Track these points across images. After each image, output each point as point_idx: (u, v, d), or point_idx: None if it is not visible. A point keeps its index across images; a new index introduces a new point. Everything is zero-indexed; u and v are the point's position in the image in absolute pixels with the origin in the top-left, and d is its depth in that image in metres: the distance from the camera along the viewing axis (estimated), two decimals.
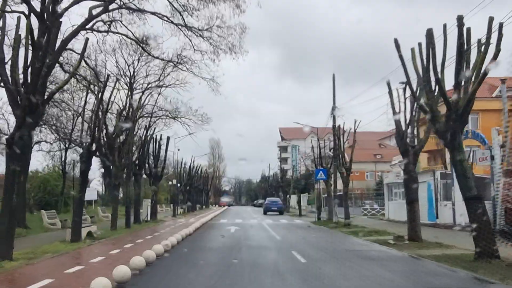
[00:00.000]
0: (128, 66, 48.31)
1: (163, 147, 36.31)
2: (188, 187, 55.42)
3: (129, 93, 46.27)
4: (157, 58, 26.59)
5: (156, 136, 34.47)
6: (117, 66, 48.55)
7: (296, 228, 28.14)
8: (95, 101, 20.72)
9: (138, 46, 48.39)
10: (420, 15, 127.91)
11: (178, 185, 52.12)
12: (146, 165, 33.26)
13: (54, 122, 34.17)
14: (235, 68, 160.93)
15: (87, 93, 22.55)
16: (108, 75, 26.12)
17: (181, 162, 52.59)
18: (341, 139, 29.12)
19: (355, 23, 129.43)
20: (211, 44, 23.14)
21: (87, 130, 18.74)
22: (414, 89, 15.55)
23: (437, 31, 12.91)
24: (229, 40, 24.53)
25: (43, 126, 36.56)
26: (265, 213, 52.03)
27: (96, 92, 38.22)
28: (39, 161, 51.36)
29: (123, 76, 48.50)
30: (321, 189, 64.01)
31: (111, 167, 24.88)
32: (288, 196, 61.42)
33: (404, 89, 17.65)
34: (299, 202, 79.81)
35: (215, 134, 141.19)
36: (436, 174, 26.61)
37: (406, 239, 18.09)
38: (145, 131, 29.25)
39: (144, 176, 33.73)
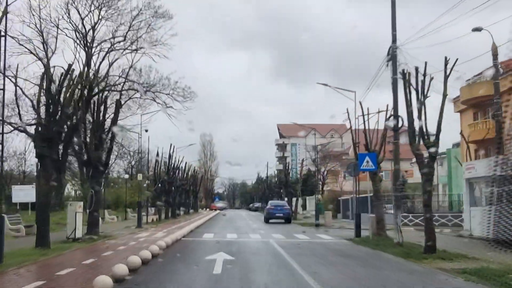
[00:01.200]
0: (82, 20, 35.12)
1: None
2: (167, 187, 41.89)
3: (86, 57, 33.20)
4: None
5: (99, 97, 21.02)
6: (69, 22, 35.47)
7: (341, 258, 14.69)
8: None
9: None
10: (414, 17, 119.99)
11: (149, 182, 38.81)
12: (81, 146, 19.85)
13: None
14: (229, 71, 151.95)
15: None
16: None
17: (158, 154, 39.12)
18: (421, 92, 15.36)
19: (350, 26, 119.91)
20: None
21: None
22: None
23: None
24: None
25: None
26: (267, 221, 38.67)
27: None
28: None
29: (78, 33, 35.28)
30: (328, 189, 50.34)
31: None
32: (296, 199, 47.96)
33: None
34: (304, 206, 66.87)
35: (204, 126, 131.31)
36: None
37: None
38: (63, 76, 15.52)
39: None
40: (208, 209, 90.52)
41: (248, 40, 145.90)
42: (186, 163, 51.82)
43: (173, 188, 45.96)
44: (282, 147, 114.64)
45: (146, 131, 35.21)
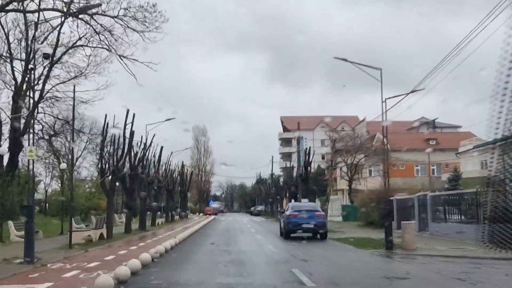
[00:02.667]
0: None
1: None
2: (128, 182, 26.11)
3: None
4: None
5: None
6: None
7: None
8: None
9: None
10: (409, 18, 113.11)
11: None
12: None
13: None
14: (224, 73, 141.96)
15: None
16: None
17: (105, 126, 23.05)
18: None
19: (345, 28, 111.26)
20: None
21: None
22: None
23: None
24: None
25: None
26: (287, 235, 22.94)
27: None
28: None
29: None
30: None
31: None
32: (326, 200, 32.04)
33: None
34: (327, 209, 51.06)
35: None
36: None
37: None
38: None
39: None
40: (201, 214, 74.66)
41: (244, 43, 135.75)
42: (162, 148, 35.73)
43: (142, 185, 30.26)
44: (285, 142, 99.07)
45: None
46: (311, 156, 37.19)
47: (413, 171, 57.24)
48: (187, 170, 57.93)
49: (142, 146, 26.86)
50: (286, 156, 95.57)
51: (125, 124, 22.47)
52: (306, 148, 38.95)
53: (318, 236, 23.18)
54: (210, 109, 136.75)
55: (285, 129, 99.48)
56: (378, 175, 56.61)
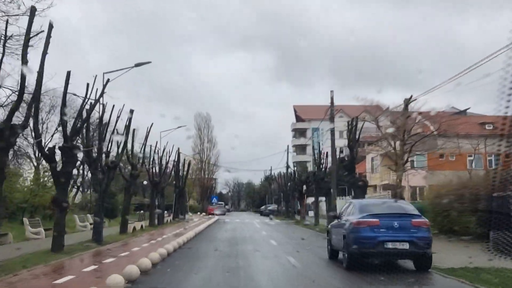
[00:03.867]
0: None
1: None
2: (63, 156, 14.58)
3: None
4: None
5: None
6: None
7: None
8: None
9: None
10: (414, 18, 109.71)
11: None
12: None
13: None
14: (229, 73, 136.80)
15: None
16: None
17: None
18: None
19: (349, 26, 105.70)
20: None
21: None
22: None
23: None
24: None
25: None
26: (353, 262, 11.39)
27: None
28: None
29: None
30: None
31: None
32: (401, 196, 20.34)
33: None
34: None
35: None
36: None
37: None
38: None
39: None
40: (203, 214, 63.21)
41: (248, 42, 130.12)
42: (132, 112, 23.77)
43: (100, 170, 18.84)
44: (299, 133, 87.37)
45: None
46: (357, 132, 25.50)
47: (466, 163, 45.29)
48: (185, 159, 46.38)
49: (86, 100, 15.25)
50: (300, 149, 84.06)
51: (26, 39, 10.71)
52: (351, 119, 27.27)
53: (413, 263, 11.78)
54: (214, 108, 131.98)
55: (299, 119, 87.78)
56: (423, 167, 44.82)
